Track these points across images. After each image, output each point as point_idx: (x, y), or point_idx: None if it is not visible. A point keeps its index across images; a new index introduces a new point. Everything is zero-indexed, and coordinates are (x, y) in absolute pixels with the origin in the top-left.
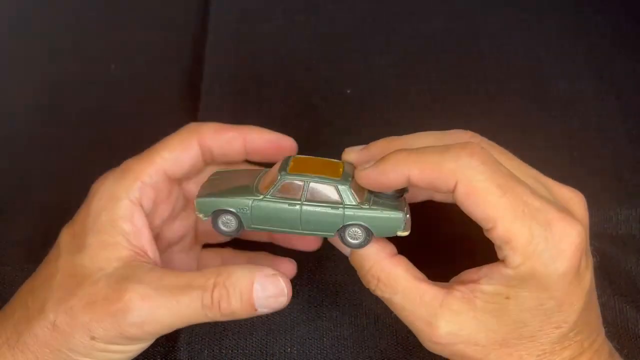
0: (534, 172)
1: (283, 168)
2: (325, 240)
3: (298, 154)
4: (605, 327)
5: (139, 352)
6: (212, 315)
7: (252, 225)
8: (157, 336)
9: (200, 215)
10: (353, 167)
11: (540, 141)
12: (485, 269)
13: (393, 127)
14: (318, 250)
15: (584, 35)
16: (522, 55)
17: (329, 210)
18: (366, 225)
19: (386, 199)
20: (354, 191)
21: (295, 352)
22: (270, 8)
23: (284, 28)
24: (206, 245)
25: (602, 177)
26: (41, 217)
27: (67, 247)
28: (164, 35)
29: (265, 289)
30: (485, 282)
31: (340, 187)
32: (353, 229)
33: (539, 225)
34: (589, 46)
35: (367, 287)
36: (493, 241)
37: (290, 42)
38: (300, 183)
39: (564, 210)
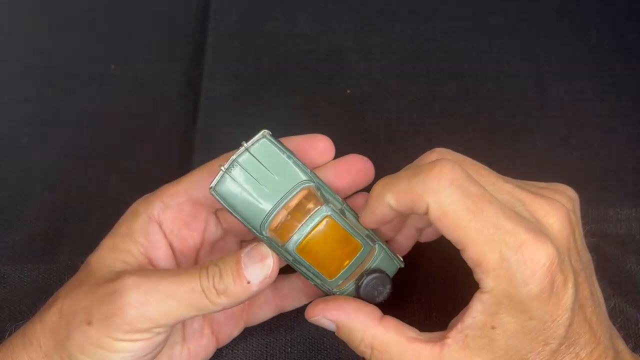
0: (509, 187)
1: (296, 239)
2: None
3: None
4: None
5: (135, 354)
6: (210, 296)
7: None
8: (156, 328)
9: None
10: (371, 248)
11: (540, 141)
12: (466, 307)
13: (393, 127)
14: None
15: (584, 35)
16: (522, 55)
17: (309, 279)
18: None
19: (369, 295)
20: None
21: (295, 352)
22: (270, 8)
23: (284, 28)
24: None
25: (602, 177)
26: (41, 217)
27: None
28: (164, 35)
29: (250, 255)
30: (468, 316)
31: (324, 290)
32: None
33: (509, 249)
34: (589, 46)
35: (362, 356)
36: (466, 261)
37: (290, 42)
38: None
39: (536, 229)
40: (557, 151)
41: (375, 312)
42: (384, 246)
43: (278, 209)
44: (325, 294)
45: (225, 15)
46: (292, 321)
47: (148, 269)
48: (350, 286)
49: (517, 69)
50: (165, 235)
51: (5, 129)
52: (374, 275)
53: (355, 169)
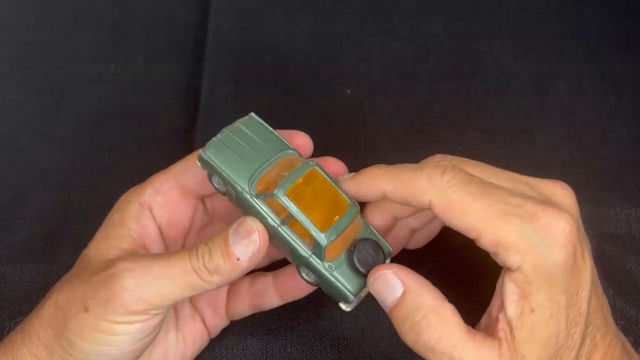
0: (511, 174)
1: (284, 185)
2: None
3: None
4: None
5: (133, 336)
6: (202, 275)
7: (234, 203)
8: (152, 310)
9: (198, 164)
10: (358, 210)
11: (540, 141)
12: (497, 296)
13: (393, 127)
14: None
15: (584, 35)
16: (522, 55)
17: (298, 247)
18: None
19: (364, 261)
20: (331, 249)
21: (295, 352)
22: (270, 8)
23: (284, 28)
24: None
25: (602, 177)
26: (41, 217)
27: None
28: (164, 35)
29: (237, 232)
30: (507, 302)
31: (317, 241)
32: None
33: (523, 220)
34: (589, 46)
35: (411, 341)
36: (486, 250)
37: (290, 42)
38: (287, 211)
39: (547, 201)
40: (557, 151)
41: (441, 294)
42: (371, 227)
43: (266, 167)
44: (307, 281)
45: (225, 15)
46: (292, 321)
47: (140, 254)
48: (341, 259)
49: (517, 69)
50: (155, 219)
51: (5, 129)
52: (366, 241)
53: (331, 171)
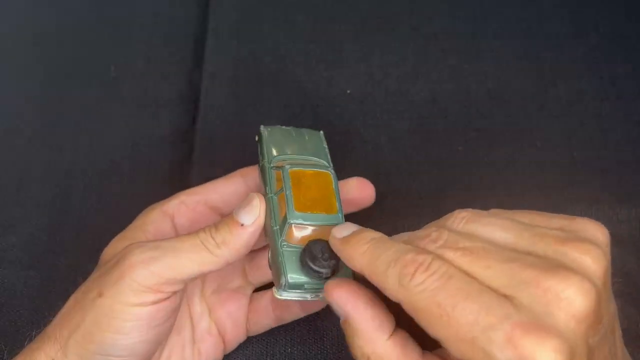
0: (512, 267)
1: (294, 166)
2: None
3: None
4: None
5: (147, 322)
6: (210, 247)
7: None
8: (165, 285)
9: (256, 138)
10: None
11: (540, 141)
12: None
13: (393, 128)
14: None
15: (584, 35)
16: (522, 55)
17: (273, 217)
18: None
19: (311, 255)
20: (296, 234)
21: (295, 352)
22: (270, 8)
23: (284, 28)
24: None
25: (602, 177)
26: (41, 220)
27: None
28: (164, 35)
29: (240, 205)
30: None
31: (286, 215)
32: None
33: (495, 345)
34: (589, 46)
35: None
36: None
37: (290, 42)
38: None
39: (536, 322)
40: (557, 151)
41: (388, 324)
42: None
43: (292, 158)
44: (271, 265)
45: (225, 15)
46: (292, 321)
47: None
48: (298, 249)
49: (517, 69)
50: (175, 228)
51: (5, 129)
52: (322, 242)
53: (365, 192)
